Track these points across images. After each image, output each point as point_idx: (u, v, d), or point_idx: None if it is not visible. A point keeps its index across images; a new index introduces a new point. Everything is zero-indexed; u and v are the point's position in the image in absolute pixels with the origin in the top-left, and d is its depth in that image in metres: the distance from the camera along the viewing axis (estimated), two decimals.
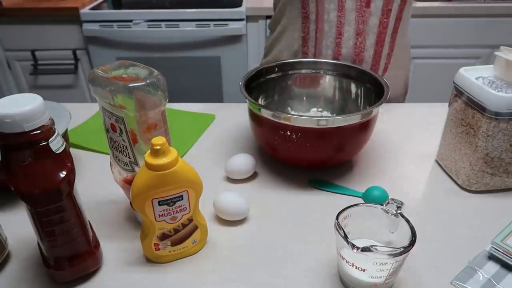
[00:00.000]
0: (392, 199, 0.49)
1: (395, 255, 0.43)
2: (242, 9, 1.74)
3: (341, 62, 0.82)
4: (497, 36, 1.78)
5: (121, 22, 1.76)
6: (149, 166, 0.46)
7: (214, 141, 0.81)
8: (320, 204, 0.64)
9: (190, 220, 0.52)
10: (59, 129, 0.50)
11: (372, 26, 0.86)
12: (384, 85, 0.70)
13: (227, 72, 1.88)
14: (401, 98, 1.03)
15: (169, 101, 0.53)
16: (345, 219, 0.48)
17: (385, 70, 0.93)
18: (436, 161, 0.73)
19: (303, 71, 0.83)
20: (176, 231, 0.52)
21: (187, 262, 0.54)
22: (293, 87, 0.84)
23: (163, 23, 1.76)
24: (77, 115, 0.85)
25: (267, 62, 1.02)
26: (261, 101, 0.81)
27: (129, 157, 0.53)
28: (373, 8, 0.84)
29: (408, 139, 0.81)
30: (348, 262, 0.47)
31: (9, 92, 1.97)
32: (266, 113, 0.64)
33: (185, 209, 0.51)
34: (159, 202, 0.48)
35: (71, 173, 0.45)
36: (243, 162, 0.68)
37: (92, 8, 1.80)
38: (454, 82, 0.65)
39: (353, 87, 0.81)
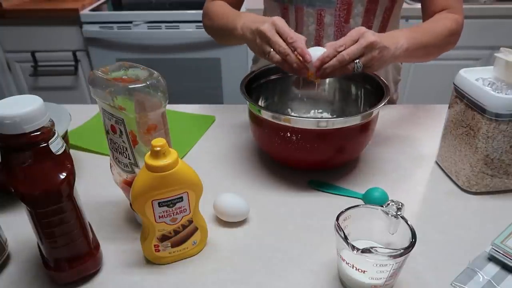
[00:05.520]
0: (392, 201, 0.49)
1: (395, 257, 0.43)
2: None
3: None
4: (497, 38, 1.78)
5: (121, 23, 1.76)
6: (149, 168, 0.46)
7: (214, 142, 0.81)
8: (320, 206, 0.64)
9: (190, 222, 0.52)
10: (59, 130, 0.50)
11: None
12: (384, 87, 0.70)
13: (227, 74, 1.88)
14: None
15: (169, 103, 0.53)
16: (345, 221, 0.48)
17: None
18: (436, 162, 0.73)
19: None
20: (176, 232, 0.52)
21: (187, 263, 0.54)
22: (293, 89, 0.84)
23: (163, 25, 1.76)
24: (77, 116, 0.85)
25: (257, 68, 1.02)
26: (261, 103, 0.81)
27: (129, 159, 0.53)
28: (353, 24, 0.84)
29: (408, 140, 0.81)
30: (348, 263, 0.47)
31: (9, 93, 1.97)
32: (266, 115, 0.64)
33: (185, 210, 0.51)
34: (159, 203, 0.48)
35: (71, 174, 0.45)
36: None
37: (92, 10, 1.80)
38: (454, 84, 0.65)
39: (353, 89, 0.81)
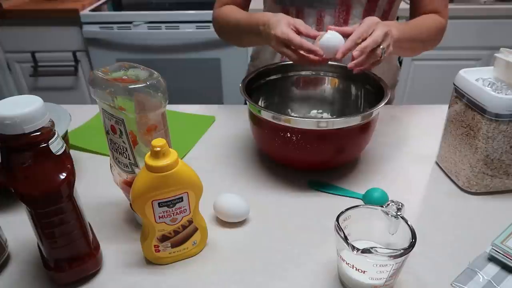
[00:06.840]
0: (392, 201, 0.49)
1: (395, 257, 0.43)
2: None
3: (341, 64, 0.82)
4: (497, 38, 1.78)
5: (121, 23, 1.76)
6: (149, 168, 0.46)
7: (214, 142, 0.81)
8: (320, 206, 0.64)
9: (190, 222, 0.52)
10: (59, 130, 0.50)
11: None
12: (384, 87, 0.70)
13: (227, 74, 1.88)
14: None
15: (169, 103, 0.53)
16: (345, 221, 0.48)
17: None
18: (436, 162, 0.73)
19: (303, 72, 0.83)
20: (176, 232, 0.52)
21: (187, 263, 0.54)
22: (294, 89, 0.84)
23: (163, 25, 1.76)
24: (77, 116, 0.85)
25: (255, 66, 1.02)
26: (261, 103, 0.81)
27: (129, 159, 0.53)
28: (352, 25, 0.84)
29: (408, 140, 0.81)
30: (348, 264, 0.47)
31: (9, 94, 1.97)
32: (266, 115, 0.64)
33: (185, 210, 0.51)
34: (159, 203, 0.48)
35: (71, 174, 0.45)
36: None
37: (92, 10, 1.80)
38: (454, 84, 0.65)
39: (353, 89, 0.81)
